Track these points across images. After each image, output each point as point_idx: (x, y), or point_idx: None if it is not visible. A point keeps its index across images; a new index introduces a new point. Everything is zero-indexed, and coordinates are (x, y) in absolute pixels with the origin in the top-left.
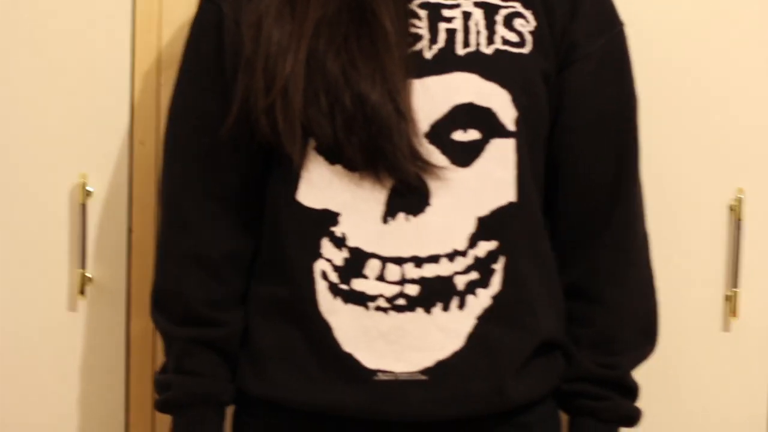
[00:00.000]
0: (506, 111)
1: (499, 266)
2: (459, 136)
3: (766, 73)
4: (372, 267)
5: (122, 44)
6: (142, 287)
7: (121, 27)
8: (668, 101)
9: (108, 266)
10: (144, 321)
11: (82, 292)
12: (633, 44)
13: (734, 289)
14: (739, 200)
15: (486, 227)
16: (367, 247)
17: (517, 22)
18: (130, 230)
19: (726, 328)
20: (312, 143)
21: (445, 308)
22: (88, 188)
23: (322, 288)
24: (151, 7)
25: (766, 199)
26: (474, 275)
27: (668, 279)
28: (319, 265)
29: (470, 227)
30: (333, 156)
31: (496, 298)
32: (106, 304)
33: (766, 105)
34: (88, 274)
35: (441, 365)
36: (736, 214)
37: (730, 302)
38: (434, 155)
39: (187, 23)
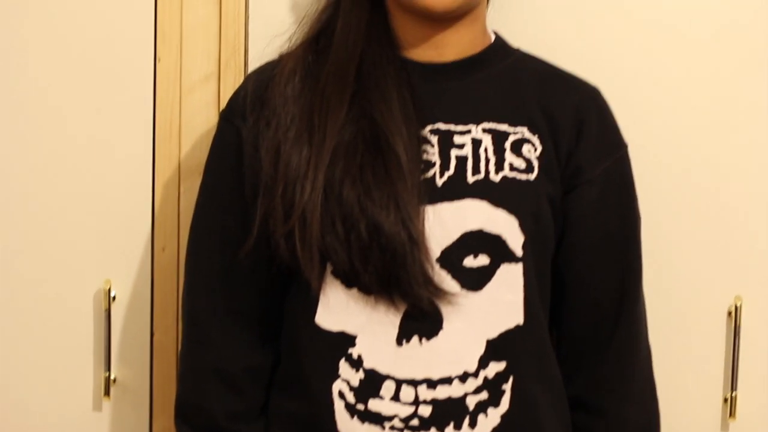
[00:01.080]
0: (515, 237)
1: (507, 386)
2: (470, 261)
3: (762, 186)
4: (387, 388)
5: (144, 154)
6: (164, 388)
7: (143, 137)
8: (669, 212)
9: (131, 368)
10: (166, 420)
11: (107, 393)
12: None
13: (733, 392)
14: (738, 306)
15: (495, 349)
16: (383, 369)
17: (525, 148)
18: (152, 333)
19: (725, 429)
20: (329, 267)
21: (457, 427)
22: (112, 293)
23: (339, 408)
24: (172, 117)
25: (763, 306)
26: (484, 395)
27: (669, 381)
28: (337, 386)
29: (480, 349)
30: (349, 280)
31: (505, 417)
32: (130, 404)
33: (762, 215)
34: (112, 376)
35: None
36: (734, 319)
37: (729, 404)
38: (446, 281)
39: (206, 134)
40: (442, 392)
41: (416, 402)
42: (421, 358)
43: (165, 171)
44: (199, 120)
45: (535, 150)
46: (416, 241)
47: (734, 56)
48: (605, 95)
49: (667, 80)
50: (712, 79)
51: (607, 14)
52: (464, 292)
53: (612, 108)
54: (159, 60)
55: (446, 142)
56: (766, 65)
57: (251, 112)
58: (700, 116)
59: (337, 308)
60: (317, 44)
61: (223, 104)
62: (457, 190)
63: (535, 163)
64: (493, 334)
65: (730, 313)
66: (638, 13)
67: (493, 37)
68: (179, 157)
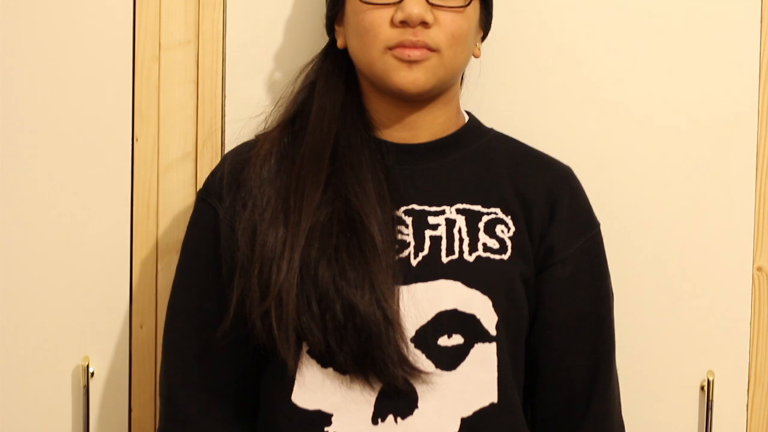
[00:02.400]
0: (488, 316)
1: None
2: (444, 341)
3: (734, 263)
4: None
5: (122, 231)
6: None
7: (121, 215)
8: (641, 288)
9: None
10: None
11: None
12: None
13: None
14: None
15: (470, 427)
16: None
17: (498, 229)
18: (130, 410)
19: None
20: (305, 347)
21: None
22: (90, 369)
23: None
24: (149, 195)
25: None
26: None
27: None
28: None
29: (455, 428)
30: (325, 360)
31: None
32: None
33: (735, 291)
34: None
35: None
36: (707, 394)
37: None
38: (421, 360)
39: (184, 213)
40: None
41: None
42: None
43: (143, 249)
44: (176, 198)
45: (509, 230)
46: (391, 321)
47: (707, 142)
48: (577, 174)
49: (638, 160)
50: (682, 159)
51: (576, 97)
52: (439, 371)
53: (584, 188)
54: (137, 139)
55: (420, 222)
56: (737, 152)
57: (228, 193)
58: (670, 195)
59: (313, 387)
60: (293, 126)
61: (200, 183)
62: (431, 270)
63: (509, 244)
64: (468, 412)
65: (702, 388)
66: (610, 98)
67: (466, 118)
68: (157, 235)
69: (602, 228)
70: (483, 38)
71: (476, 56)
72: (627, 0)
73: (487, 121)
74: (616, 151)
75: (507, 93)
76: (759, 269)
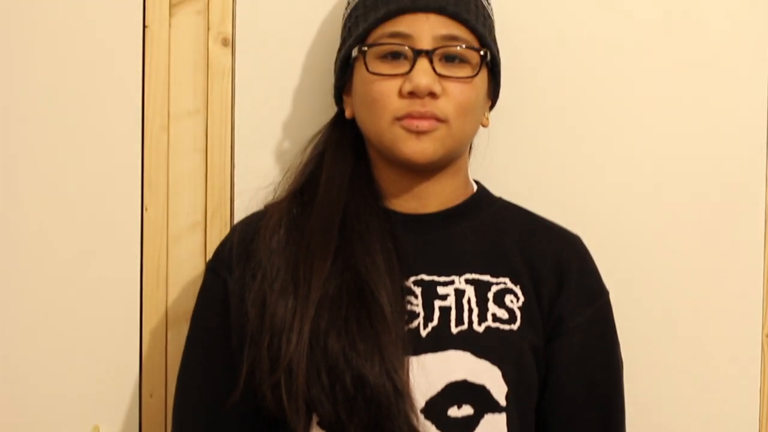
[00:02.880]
0: (498, 387)
1: None
2: (454, 412)
3: (745, 337)
4: None
5: (132, 300)
6: None
7: (131, 284)
8: (651, 358)
9: None
10: None
11: None
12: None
13: None
14: None
15: None
16: None
17: (507, 299)
18: None
19: None
20: (315, 418)
21: None
22: None
23: None
24: (159, 265)
25: None
26: None
27: None
28: None
29: None
30: (335, 431)
31: None
32: None
33: (745, 361)
34: None
35: None
36: None
37: None
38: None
39: (193, 282)
40: None
41: None
42: None
43: (152, 318)
44: (186, 268)
45: (518, 300)
46: (401, 392)
47: (715, 209)
48: (586, 242)
49: (647, 229)
50: (691, 226)
51: (585, 166)
52: None
53: (594, 257)
54: (146, 209)
55: (430, 292)
56: (746, 219)
57: (237, 264)
58: (679, 263)
59: None
60: (302, 196)
61: (210, 253)
62: (441, 341)
63: (518, 314)
64: None
65: None
66: (619, 168)
67: (475, 187)
68: (166, 304)
69: (611, 296)
70: (491, 108)
71: (484, 126)
72: (628, 72)
73: (496, 190)
74: (625, 220)
75: (515, 162)
76: None
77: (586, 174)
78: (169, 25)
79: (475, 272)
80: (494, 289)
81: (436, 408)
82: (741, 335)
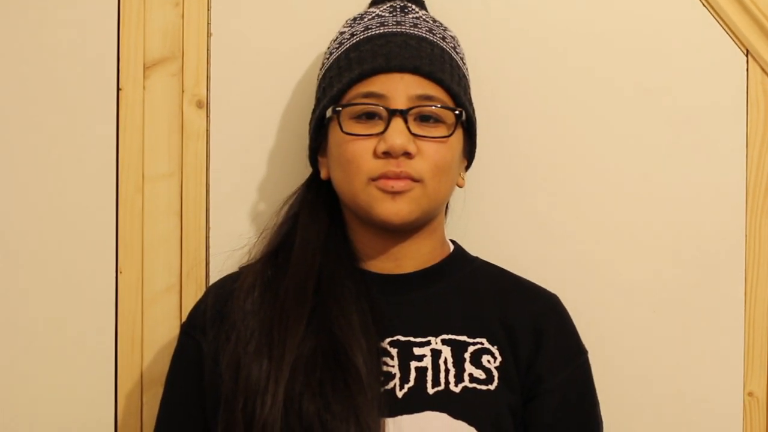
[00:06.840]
0: None
1: None
2: None
3: (726, 395)
4: None
5: (107, 364)
6: None
7: (105, 348)
8: (630, 416)
9: None
10: None
11: None
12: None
13: None
14: None
15: None
16: None
17: (484, 359)
18: None
19: None
20: None
21: None
22: None
23: None
24: (134, 328)
25: None
26: None
27: None
28: None
29: None
30: None
31: None
32: None
33: (727, 420)
34: None
35: None
36: None
37: None
38: None
39: (168, 345)
40: None
41: None
42: None
43: (127, 381)
44: (160, 331)
45: (495, 360)
46: None
47: (695, 267)
48: (564, 302)
49: (627, 286)
50: (671, 284)
51: (561, 225)
52: None
53: (572, 316)
54: (121, 272)
55: (406, 353)
56: (726, 278)
57: (211, 326)
58: (659, 321)
59: None
60: (276, 258)
61: (185, 315)
62: (417, 402)
63: (495, 374)
64: None
65: None
66: (595, 224)
67: (451, 247)
68: (141, 368)
69: (590, 355)
70: (467, 167)
71: (460, 186)
72: (605, 133)
73: (473, 249)
74: (603, 278)
75: (492, 222)
76: (750, 394)
77: (563, 233)
78: (143, 87)
79: (452, 333)
80: (471, 349)
81: None
82: (722, 393)
